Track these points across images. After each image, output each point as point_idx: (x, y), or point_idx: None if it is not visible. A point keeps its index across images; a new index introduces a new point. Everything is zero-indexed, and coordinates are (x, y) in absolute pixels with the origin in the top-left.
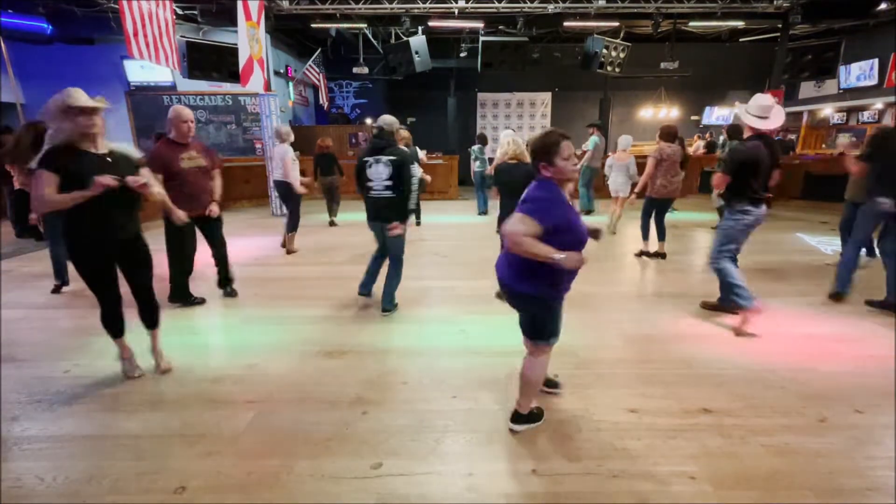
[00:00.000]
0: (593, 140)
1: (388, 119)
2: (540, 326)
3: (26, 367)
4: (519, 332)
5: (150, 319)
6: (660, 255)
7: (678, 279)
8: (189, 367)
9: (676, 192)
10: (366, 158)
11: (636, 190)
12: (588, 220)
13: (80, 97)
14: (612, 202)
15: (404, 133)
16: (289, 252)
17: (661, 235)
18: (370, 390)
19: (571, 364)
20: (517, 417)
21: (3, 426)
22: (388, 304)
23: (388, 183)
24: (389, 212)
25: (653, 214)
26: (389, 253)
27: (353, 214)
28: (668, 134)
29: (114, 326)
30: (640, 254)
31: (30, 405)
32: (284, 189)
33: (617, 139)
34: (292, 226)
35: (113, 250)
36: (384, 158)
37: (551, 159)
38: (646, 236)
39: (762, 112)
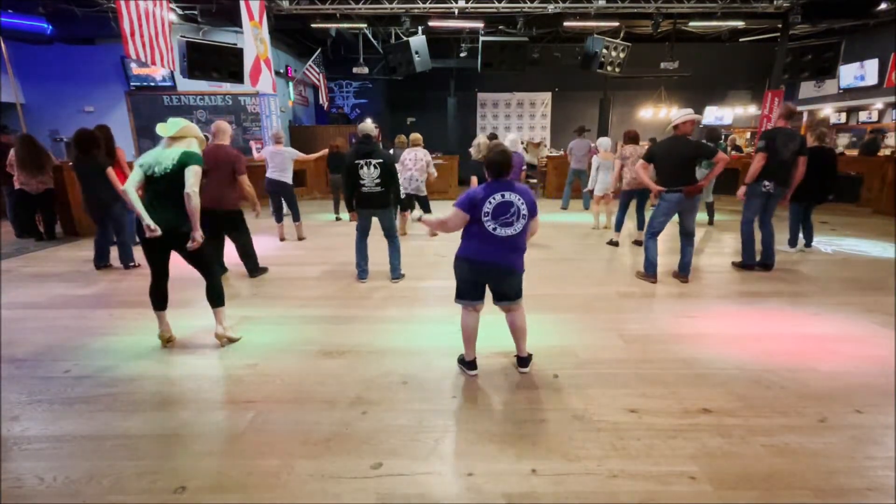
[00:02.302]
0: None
1: (370, 126)
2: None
3: (26, 367)
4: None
5: (209, 298)
6: (637, 241)
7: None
8: (189, 367)
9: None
10: (357, 161)
11: (611, 190)
12: (579, 219)
13: None
14: (597, 202)
15: (417, 135)
16: (300, 239)
17: (640, 225)
18: (370, 390)
19: (571, 364)
20: (459, 358)
21: (3, 426)
22: (398, 274)
23: (378, 181)
24: (379, 202)
25: (629, 207)
26: (387, 232)
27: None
28: (630, 137)
29: (152, 299)
30: (611, 242)
31: (30, 405)
32: (286, 186)
33: (598, 141)
34: (297, 216)
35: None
36: (374, 161)
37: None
38: (618, 228)
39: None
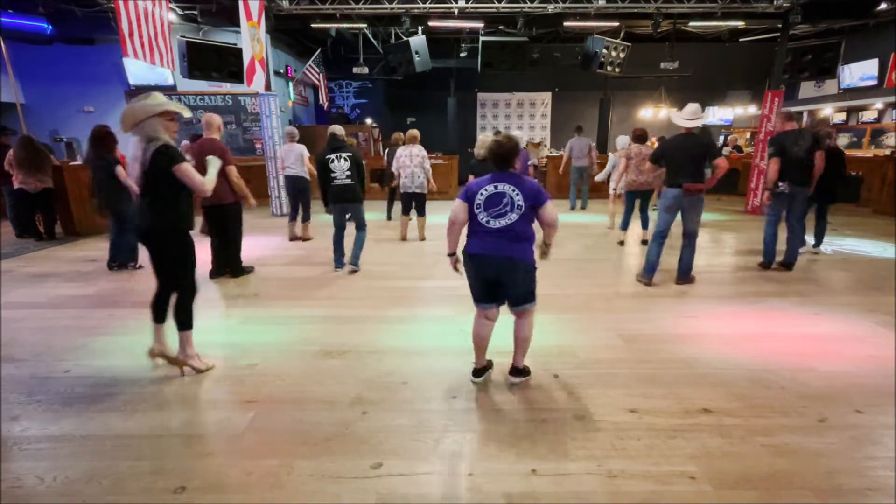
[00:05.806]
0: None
1: (339, 128)
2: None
3: (26, 367)
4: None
5: (177, 315)
6: (644, 241)
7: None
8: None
9: (647, 184)
10: (328, 156)
11: (614, 187)
12: (583, 219)
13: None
14: (613, 201)
15: (414, 132)
16: (305, 240)
17: (644, 224)
18: (370, 390)
19: (571, 364)
20: (480, 372)
21: (3, 426)
22: (357, 264)
23: (349, 173)
24: (351, 195)
25: (635, 207)
26: (359, 224)
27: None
28: (638, 136)
29: (154, 310)
30: (620, 243)
31: (30, 405)
32: (303, 183)
33: (617, 139)
34: (307, 216)
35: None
36: (343, 154)
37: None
38: (625, 228)
39: (692, 115)
